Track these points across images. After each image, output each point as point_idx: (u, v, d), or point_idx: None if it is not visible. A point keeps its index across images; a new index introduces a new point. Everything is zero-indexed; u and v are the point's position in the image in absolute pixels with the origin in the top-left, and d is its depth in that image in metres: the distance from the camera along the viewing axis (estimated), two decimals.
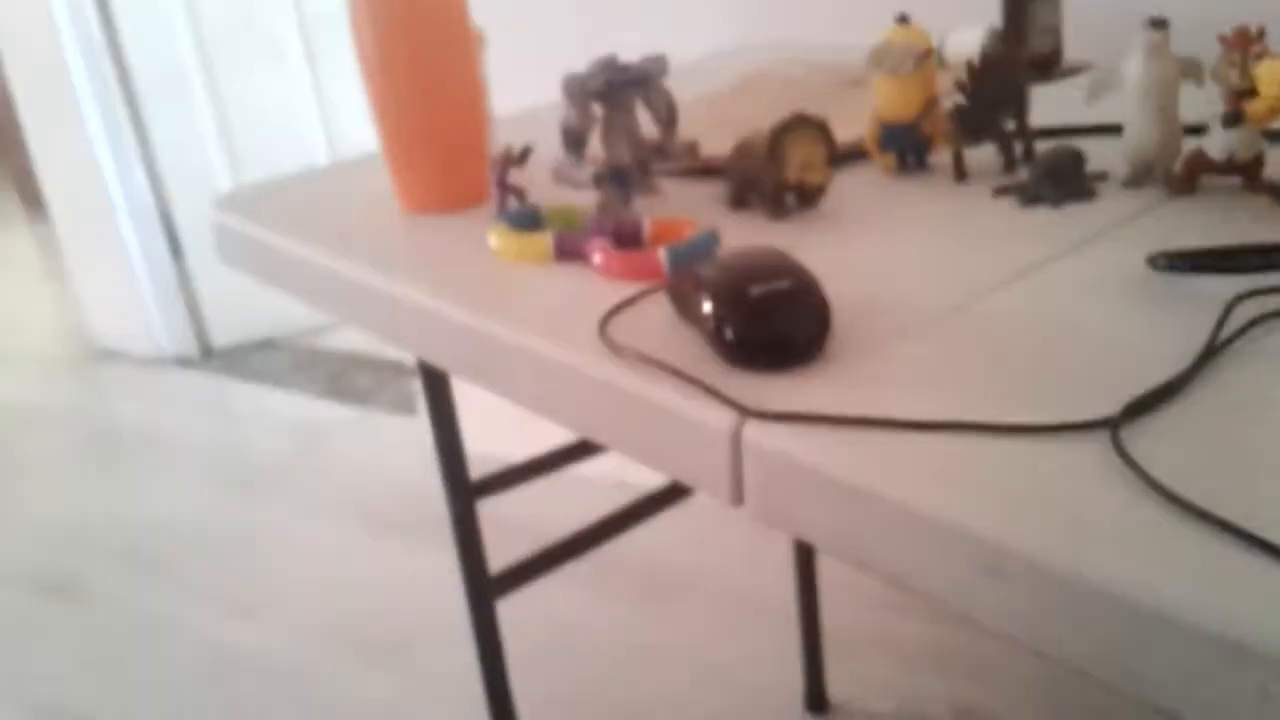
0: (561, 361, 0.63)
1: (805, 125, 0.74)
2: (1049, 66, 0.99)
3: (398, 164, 0.88)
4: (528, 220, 0.79)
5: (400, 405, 2.49)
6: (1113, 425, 0.47)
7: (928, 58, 0.79)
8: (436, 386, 1.12)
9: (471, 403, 1.36)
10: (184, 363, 2.89)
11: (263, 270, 0.94)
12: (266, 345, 2.93)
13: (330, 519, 2.11)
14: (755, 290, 0.58)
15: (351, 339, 2.85)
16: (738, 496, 0.54)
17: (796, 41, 1.26)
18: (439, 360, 0.77)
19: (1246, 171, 0.70)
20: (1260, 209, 0.68)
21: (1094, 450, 0.46)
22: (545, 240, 0.75)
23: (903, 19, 0.80)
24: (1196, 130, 0.73)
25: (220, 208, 0.98)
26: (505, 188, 0.83)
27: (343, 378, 2.69)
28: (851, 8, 1.36)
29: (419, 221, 0.86)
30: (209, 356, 2.91)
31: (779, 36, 1.32)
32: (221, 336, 2.93)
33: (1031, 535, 0.42)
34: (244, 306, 2.79)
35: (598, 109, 0.82)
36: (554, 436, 1.24)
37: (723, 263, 0.61)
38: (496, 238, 0.77)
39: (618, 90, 0.80)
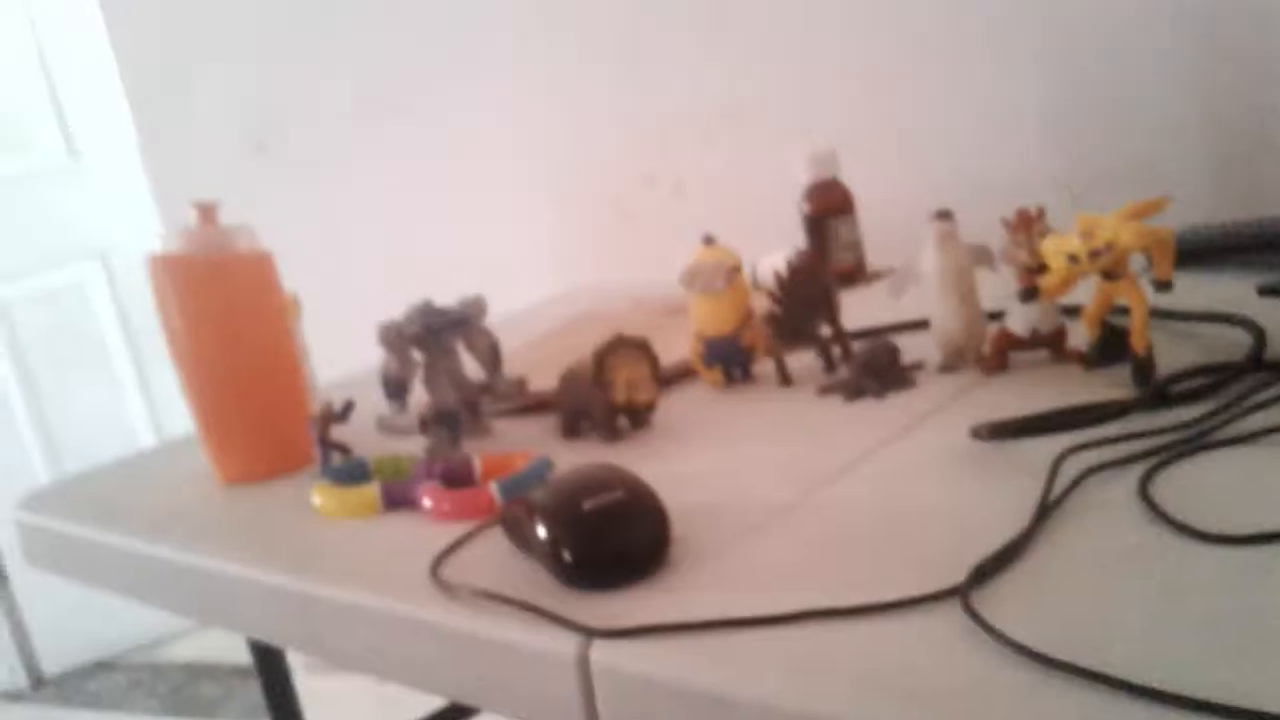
0: (393, 611, 0.59)
1: (626, 345, 0.75)
2: (854, 277, 1.04)
3: (212, 436, 0.84)
4: (353, 474, 0.76)
5: (250, 712, 2.31)
6: (962, 592, 0.46)
7: (738, 273, 0.81)
8: (275, 679, 1.04)
9: (322, 701, 1.27)
10: (11, 697, 2.64)
11: (72, 567, 0.87)
12: (102, 667, 2.71)
13: None
14: (588, 505, 0.55)
15: (194, 647, 2.66)
16: None
17: (619, 281, 1.29)
18: (266, 634, 0.71)
19: (1052, 343, 0.72)
20: (1070, 376, 0.70)
21: (948, 620, 0.45)
22: (371, 491, 0.71)
23: (708, 240, 0.83)
24: (998, 315, 0.76)
25: (25, 507, 0.91)
26: (327, 445, 0.80)
27: (185, 691, 2.50)
28: (666, 244, 1.41)
29: (239, 492, 0.82)
30: (40, 687, 2.68)
31: (602, 279, 1.36)
32: (53, 664, 2.70)
33: (900, 717, 0.40)
34: (75, 628, 2.59)
35: (418, 355, 0.80)
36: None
37: (553, 484, 0.59)
38: (319, 495, 0.73)
39: (437, 334, 0.79)
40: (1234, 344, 0.67)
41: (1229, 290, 0.75)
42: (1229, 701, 0.35)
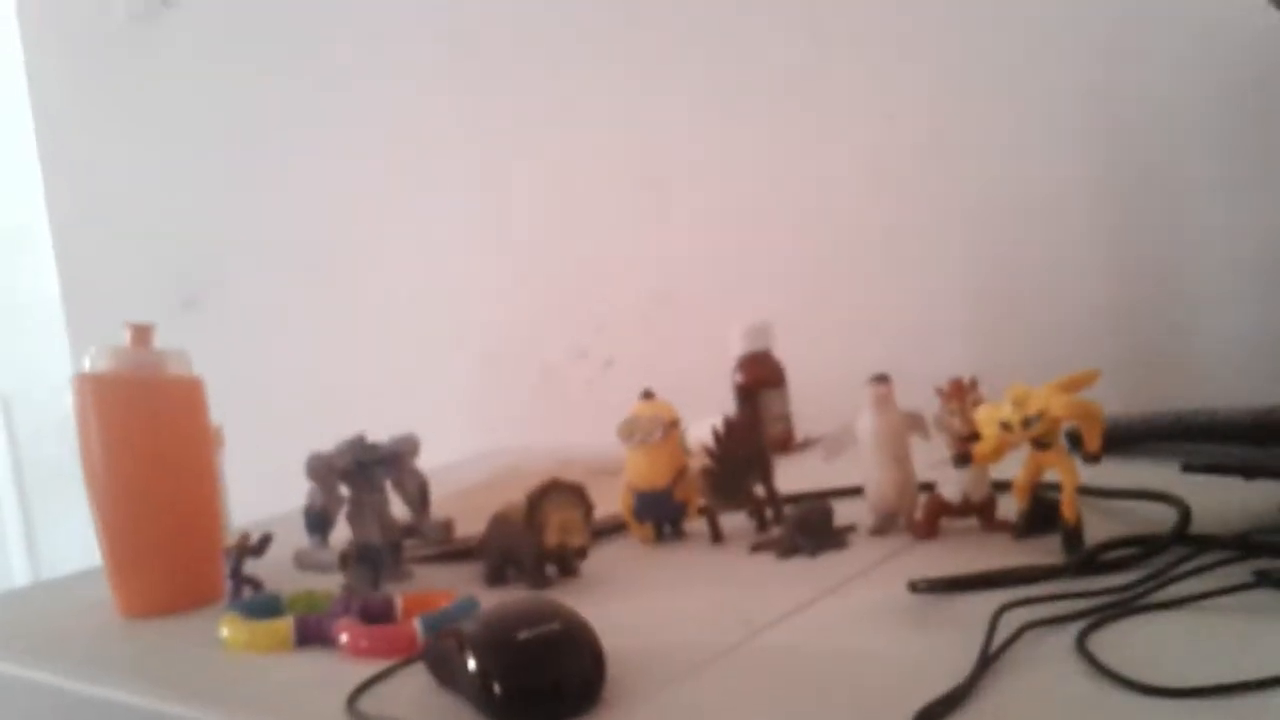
0: None
1: (561, 489, 0.74)
2: (784, 447, 1.05)
3: (120, 564, 0.80)
4: (264, 608, 0.73)
5: None
6: None
7: (674, 427, 0.81)
8: None
9: None
10: None
11: None
12: None
13: None
14: (523, 635, 0.53)
15: None
16: None
17: (545, 443, 1.29)
18: None
19: (982, 511, 0.73)
20: (1000, 545, 0.71)
21: None
22: (284, 625, 0.68)
23: (647, 394, 0.84)
24: (929, 486, 0.77)
25: None
26: (240, 579, 0.77)
27: None
28: (593, 417, 1.41)
29: (141, 624, 0.77)
30: None
31: (527, 441, 1.35)
32: None
33: None
34: None
35: (344, 490, 0.78)
36: None
37: (485, 615, 0.57)
38: (228, 627, 0.69)
39: (366, 469, 0.78)
40: (1159, 520, 0.68)
41: (1151, 473, 0.77)
42: None
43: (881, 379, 0.75)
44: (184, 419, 0.82)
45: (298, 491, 0.93)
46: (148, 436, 0.80)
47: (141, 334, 0.82)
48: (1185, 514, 0.66)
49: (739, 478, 0.80)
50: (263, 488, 1.09)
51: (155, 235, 1.99)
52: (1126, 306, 1.08)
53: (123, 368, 0.80)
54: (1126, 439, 0.86)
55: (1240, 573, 0.59)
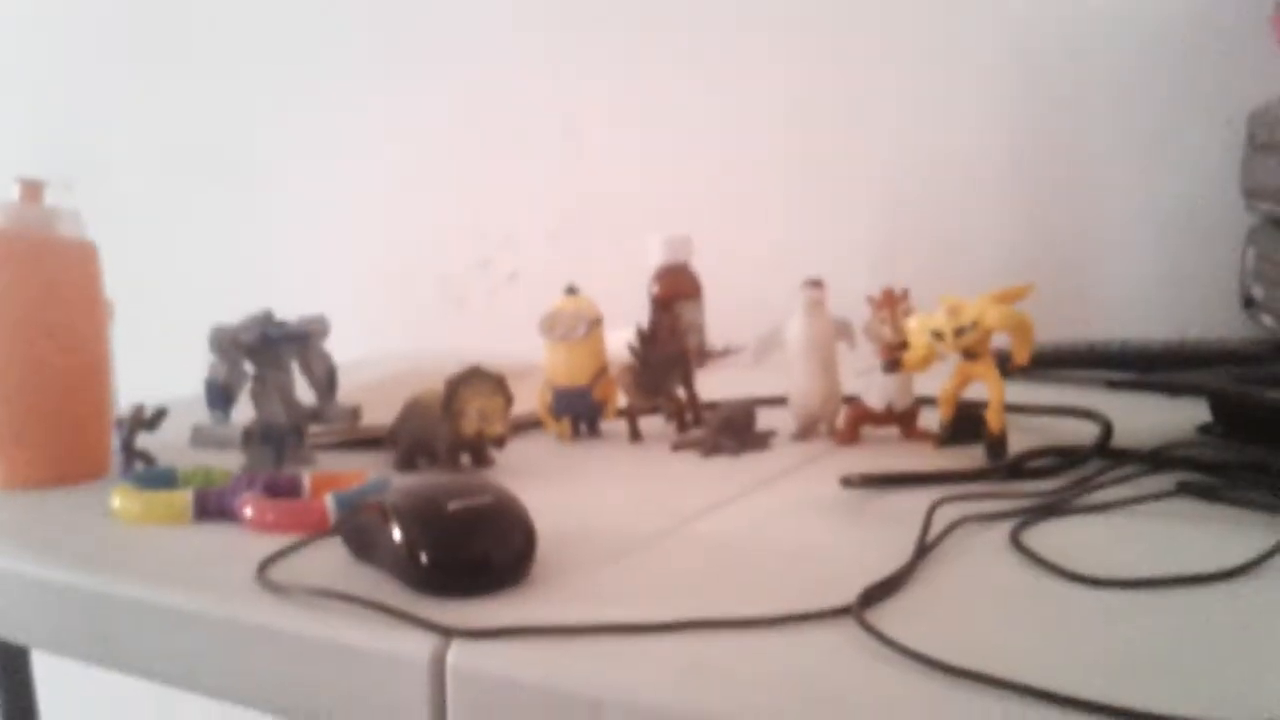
0: (212, 613, 0.52)
1: (482, 377, 0.71)
2: (698, 359, 1.04)
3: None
4: (159, 480, 0.69)
5: None
6: (853, 609, 0.44)
7: (598, 325, 0.80)
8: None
9: None
10: None
11: None
12: None
13: None
14: (453, 506, 0.51)
15: None
16: None
17: (443, 350, 1.25)
18: (46, 642, 0.62)
19: (904, 420, 0.74)
20: (922, 452, 0.71)
21: (836, 636, 0.43)
22: (182, 496, 0.64)
23: (571, 290, 0.81)
24: (851, 399, 0.77)
25: None
26: (132, 453, 0.73)
27: None
28: (497, 325, 1.39)
29: (21, 496, 0.72)
30: None
31: (427, 347, 1.32)
32: None
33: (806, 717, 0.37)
34: None
35: (249, 367, 0.74)
36: None
37: (410, 487, 0.55)
38: (120, 497, 0.65)
39: (273, 345, 0.74)
40: (1080, 436, 0.69)
41: (1069, 395, 0.78)
42: (1118, 704, 0.35)
43: (815, 283, 0.74)
44: (75, 282, 0.77)
45: (178, 383, 0.88)
46: (35, 297, 0.74)
47: (32, 190, 0.76)
48: (1107, 428, 0.67)
49: (662, 377, 0.79)
50: (138, 377, 1.04)
51: (37, 109, 1.88)
52: (1031, 253, 1.10)
53: (10, 224, 0.75)
54: (1043, 363, 0.87)
55: (1159, 483, 0.60)
